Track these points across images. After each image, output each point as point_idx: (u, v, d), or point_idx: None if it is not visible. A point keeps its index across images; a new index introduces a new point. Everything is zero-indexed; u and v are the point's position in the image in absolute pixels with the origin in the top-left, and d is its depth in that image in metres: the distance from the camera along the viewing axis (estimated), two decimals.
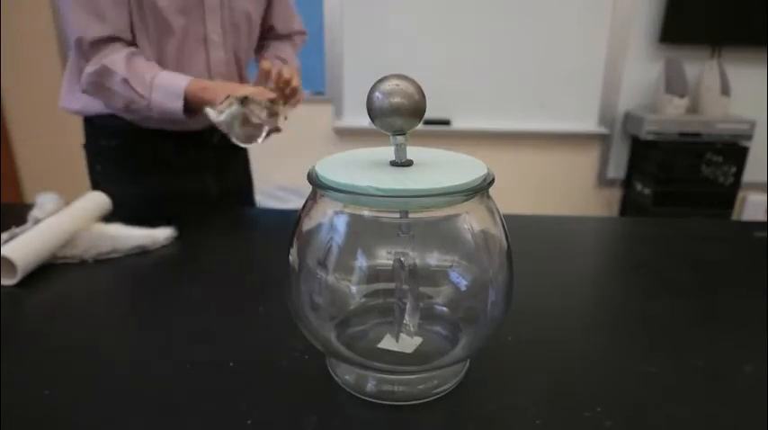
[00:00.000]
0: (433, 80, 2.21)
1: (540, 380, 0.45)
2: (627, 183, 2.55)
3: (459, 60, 2.41)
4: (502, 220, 0.41)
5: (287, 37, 1.11)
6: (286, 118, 0.89)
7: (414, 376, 0.42)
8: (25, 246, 0.62)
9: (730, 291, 0.63)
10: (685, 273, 0.68)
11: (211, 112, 0.81)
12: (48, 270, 0.64)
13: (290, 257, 0.41)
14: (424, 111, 0.36)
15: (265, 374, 0.45)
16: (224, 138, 1.06)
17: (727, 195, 2.37)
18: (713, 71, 2.29)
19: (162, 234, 0.72)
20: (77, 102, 0.97)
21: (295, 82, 0.91)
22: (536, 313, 0.56)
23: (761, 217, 2.54)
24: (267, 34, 1.08)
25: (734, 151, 2.32)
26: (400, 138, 0.37)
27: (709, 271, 0.69)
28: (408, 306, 0.42)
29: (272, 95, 0.85)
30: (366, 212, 0.38)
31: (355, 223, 0.39)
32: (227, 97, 0.81)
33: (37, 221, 0.69)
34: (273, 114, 0.87)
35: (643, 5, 2.31)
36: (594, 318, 0.58)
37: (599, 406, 0.41)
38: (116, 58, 0.84)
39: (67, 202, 0.75)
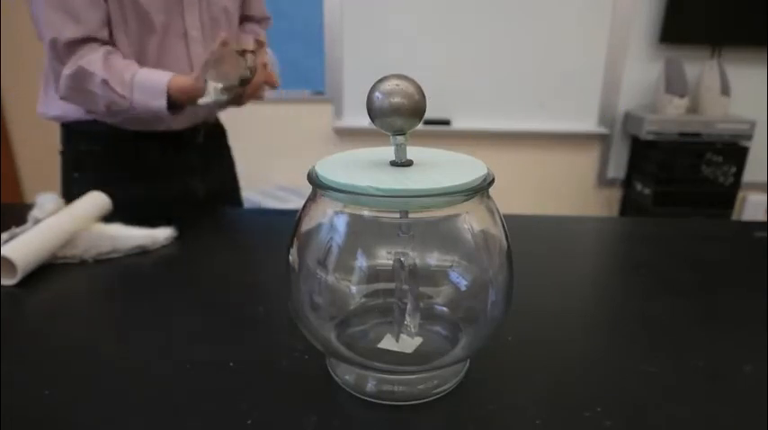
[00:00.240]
0: (433, 80, 2.21)
1: (540, 380, 0.45)
2: (627, 183, 2.55)
3: (459, 60, 2.41)
4: (502, 220, 0.41)
5: (258, 22, 1.11)
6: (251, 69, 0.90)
7: (414, 376, 0.42)
8: (25, 246, 0.62)
9: (730, 291, 0.63)
10: (685, 273, 0.68)
11: (205, 99, 0.83)
12: (48, 270, 0.64)
13: (290, 257, 0.41)
14: (424, 111, 0.36)
15: (265, 374, 0.45)
16: (208, 138, 1.06)
17: (727, 195, 2.37)
18: (713, 71, 2.29)
19: (162, 234, 0.72)
20: (56, 107, 0.94)
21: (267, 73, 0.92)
22: (536, 313, 0.56)
23: (761, 217, 2.54)
24: (242, 21, 1.08)
25: (734, 151, 2.32)
26: (400, 138, 0.37)
27: (709, 271, 0.69)
28: (409, 306, 0.42)
29: (247, 47, 0.86)
30: (366, 212, 0.38)
31: (355, 223, 0.39)
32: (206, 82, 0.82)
33: (37, 221, 0.69)
34: (249, 68, 0.88)
35: (643, 5, 2.31)
36: (594, 318, 0.58)
37: (599, 406, 0.41)
38: (92, 59, 0.82)
39: (67, 202, 0.75)
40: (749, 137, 2.30)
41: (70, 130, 0.98)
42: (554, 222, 0.89)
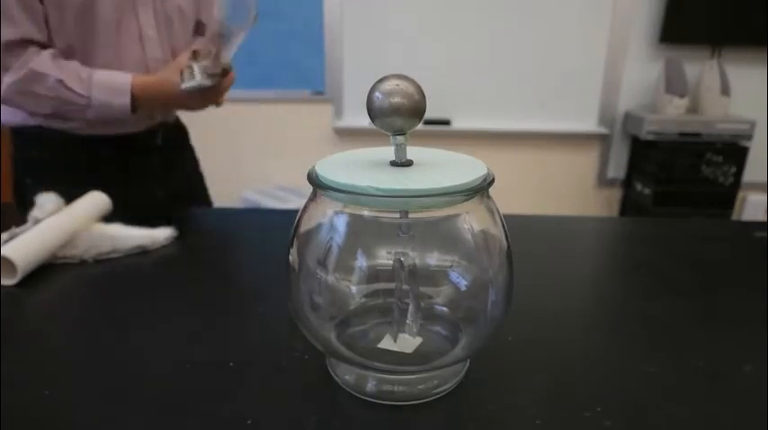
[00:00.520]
0: (433, 80, 2.21)
1: (540, 380, 0.45)
2: (627, 183, 2.56)
3: (459, 60, 2.41)
4: (502, 220, 0.41)
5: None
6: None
7: (414, 376, 0.42)
8: (25, 246, 0.62)
9: (730, 291, 0.63)
10: (685, 273, 0.68)
11: (190, 84, 0.81)
12: (48, 270, 0.64)
13: (290, 257, 0.41)
14: (424, 111, 0.36)
15: (265, 374, 0.45)
16: (167, 140, 1.02)
17: (727, 195, 2.37)
18: (713, 71, 2.29)
19: (162, 234, 0.72)
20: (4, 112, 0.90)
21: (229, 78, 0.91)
22: (536, 313, 0.56)
23: (761, 217, 2.54)
24: (195, 30, 1.04)
25: (734, 151, 2.32)
26: (400, 139, 0.37)
27: (710, 271, 0.69)
28: (411, 307, 0.42)
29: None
30: (366, 212, 0.38)
31: (355, 223, 0.39)
32: (185, 68, 0.80)
33: (37, 221, 0.69)
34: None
35: (643, 5, 2.31)
36: (594, 318, 0.58)
37: (599, 406, 0.41)
38: (41, 61, 0.80)
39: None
40: (749, 137, 2.30)
41: (20, 135, 0.94)
42: (554, 222, 0.89)
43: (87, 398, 0.42)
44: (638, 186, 2.45)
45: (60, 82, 0.80)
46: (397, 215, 0.39)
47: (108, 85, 0.81)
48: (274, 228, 0.86)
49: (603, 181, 2.59)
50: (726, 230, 0.88)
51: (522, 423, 0.40)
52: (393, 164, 0.38)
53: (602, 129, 2.47)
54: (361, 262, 0.40)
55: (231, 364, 0.46)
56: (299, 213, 0.41)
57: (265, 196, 2.50)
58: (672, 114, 2.30)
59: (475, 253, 0.42)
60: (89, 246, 0.68)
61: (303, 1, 2.38)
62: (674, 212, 2.34)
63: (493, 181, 0.38)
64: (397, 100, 0.35)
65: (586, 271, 0.72)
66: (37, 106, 0.84)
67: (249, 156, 2.62)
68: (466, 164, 0.40)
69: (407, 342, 0.42)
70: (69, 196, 0.76)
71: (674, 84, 2.28)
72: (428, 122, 2.40)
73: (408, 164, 0.39)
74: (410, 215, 0.39)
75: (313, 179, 0.38)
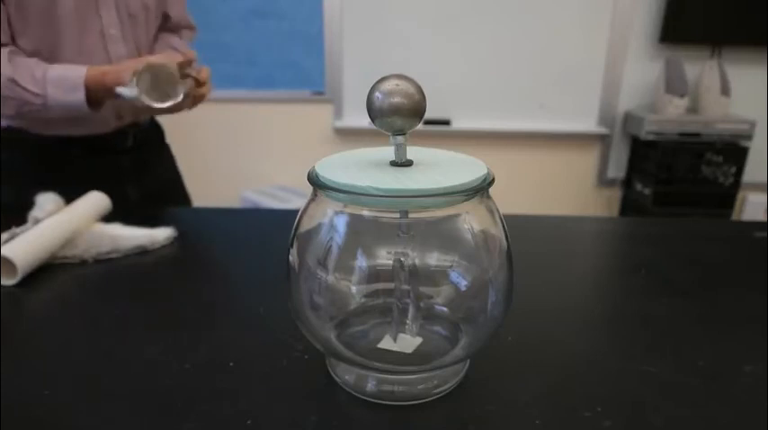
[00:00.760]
0: (433, 80, 2.21)
1: (539, 379, 0.45)
2: (627, 183, 2.56)
3: (459, 60, 2.41)
4: (502, 220, 0.41)
5: (176, 30, 1.06)
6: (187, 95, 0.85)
7: (414, 376, 0.42)
8: (25, 246, 0.62)
9: (730, 291, 0.63)
10: (685, 273, 0.68)
11: (124, 91, 0.78)
12: (48, 270, 0.64)
13: (290, 257, 0.41)
14: (424, 111, 0.36)
15: (265, 374, 0.45)
16: (139, 141, 0.99)
17: (727, 195, 2.37)
18: (713, 71, 2.30)
19: (162, 234, 0.72)
20: None
21: (206, 87, 0.89)
22: (536, 313, 0.56)
23: (761, 217, 2.54)
24: (160, 25, 1.03)
25: (734, 151, 2.32)
26: (400, 139, 0.37)
27: (710, 271, 0.69)
28: (410, 307, 0.42)
29: (181, 59, 0.82)
30: (366, 212, 0.38)
31: (355, 223, 0.39)
32: (135, 72, 0.77)
33: (37, 221, 0.69)
34: (184, 76, 0.83)
35: (643, 5, 2.31)
36: (594, 318, 0.58)
37: (599, 406, 0.41)
38: None
39: (67, 202, 0.75)
40: (749, 137, 2.30)
41: None
42: (554, 222, 0.89)
43: (87, 398, 0.42)
44: (638, 186, 2.45)
45: (13, 81, 0.78)
46: (397, 215, 0.39)
47: (62, 82, 0.79)
48: (274, 228, 0.86)
49: (603, 181, 2.59)
50: (726, 230, 0.88)
51: (522, 423, 0.40)
52: (393, 164, 0.38)
53: (602, 129, 2.47)
54: (361, 262, 0.40)
55: (231, 364, 0.46)
56: (299, 213, 0.41)
57: (265, 196, 2.50)
58: (672, 114, 2.30)
59: (475, 253, 0.42)
60: (89, 246, 0.68)
61: (303, 1, 2.38)
62: (674, 212, 2.34)
63: (493, 181, 0.38)
64: (397, 100, 0.35)
65: (586, 271, 0.72)
66: (1, 107, 0.82)
67: (249, 156, 2.62)
68: (466, 164, 0.40)
69: (407, 342, 0.42)
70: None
71: (674, 84, 2.28)
72: (428, 122, 2.40)
73: (408, 164, 0.39)
74: (410, 215, 0.39)
75: (313, 179, 0.38)
